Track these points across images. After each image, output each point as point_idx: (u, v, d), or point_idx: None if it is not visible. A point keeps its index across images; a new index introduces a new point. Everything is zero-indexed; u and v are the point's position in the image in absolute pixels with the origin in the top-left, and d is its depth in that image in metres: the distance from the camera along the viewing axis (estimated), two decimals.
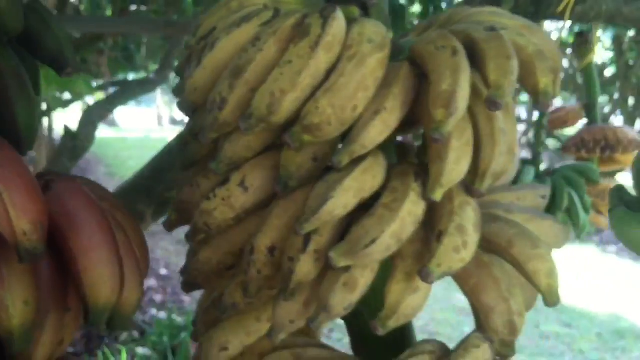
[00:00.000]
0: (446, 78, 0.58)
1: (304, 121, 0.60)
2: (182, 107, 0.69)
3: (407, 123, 0.64)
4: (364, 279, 0.62)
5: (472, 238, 0.62)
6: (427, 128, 0.60)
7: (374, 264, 0.63)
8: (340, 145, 0.63)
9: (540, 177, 2.28)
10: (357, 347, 0.82)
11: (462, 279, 0.68)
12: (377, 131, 0.60)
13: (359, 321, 0.78)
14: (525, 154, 2.81)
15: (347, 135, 0.61)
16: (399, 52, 0.68)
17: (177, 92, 0.71)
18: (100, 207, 0.58)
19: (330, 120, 0.59)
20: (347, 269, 0.62)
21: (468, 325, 5.60)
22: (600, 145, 2.60)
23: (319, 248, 0.62)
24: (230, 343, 0.74)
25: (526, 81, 0.64)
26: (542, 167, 2.52)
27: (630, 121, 9.85)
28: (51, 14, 0.60)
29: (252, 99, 0.61)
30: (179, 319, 4.61)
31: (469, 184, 0.63)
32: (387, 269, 0.65)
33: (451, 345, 0.68)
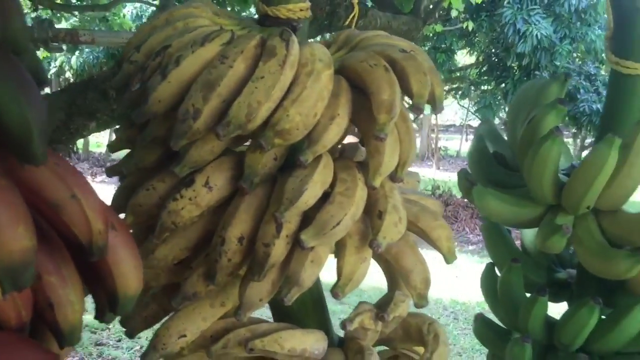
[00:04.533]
0: (385, 90, 0.74)
1: (276, 127, 0.71)
2: (139, 116, 0.74)
3: None
4: (325, 255, 0.76)
5: (404, 214, 0.79)
6: (368, 129, 0.75)
7: (333, 242, 0.76)
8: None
9: None
10: (280, 319, 0.93)
11: (386, 248, 0.84)
12: (334, 133, 0.74)
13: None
14: None
15: (307, 138, 0.73)
16: None
17: (128, 104, 0.76)
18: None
19: (298, 126, 0.71)
20: (312, 248, 0.74)
21: None
22: None
23: (289, 233, 0.73)
24: (188, 330, 0.81)
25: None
26: None
27: None
28: (32, 82, 0.54)
29: (225, 109, 0.70)
30: None
31: (392, 173, 0.80)
32: None
33: None
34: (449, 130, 25.23)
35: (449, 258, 0.86)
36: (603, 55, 9.54)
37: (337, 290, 0.77)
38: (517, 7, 7.08)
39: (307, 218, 0.75)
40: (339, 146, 0.89)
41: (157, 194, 0.77)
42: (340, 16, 2.50)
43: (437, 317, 6.69)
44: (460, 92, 13.83)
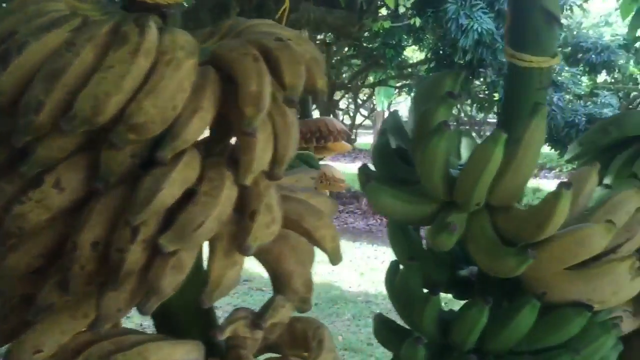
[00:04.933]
0: (253, 81, 0.68)
1: (129, 121, 0.65)
2: None
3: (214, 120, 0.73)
4: (189, 260, 0.70)
5: (278, 214, 0.74)
6: (237, 124, 0.70)
7: (197, 246, 0.71)
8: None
9: None
10: (162, 329, 0.88)
11: (266, 250, 0.79)
12: (197, 128, 0.68)
13: (162, 304, 0.84)
14: None
15: (166, 133, 0.68)
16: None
17: None
18: None
19: (154, 120, 0.65)
20: (174, 253, 0.68)
21: None
22: (316, 136, 2.98)
23: (146, 237, 0.67)
24: (45, 344, 0.74)
25: (306, 82, 0.79)
26: None
27: (325, 112, 11.06)
28: None
29: (71, 101, 0.64)
30: None
31: (270, 170, 0.75)
32: None
33: None
34: None
35: (333, 259, 0.82)
36: None
37: (203, 298, 0.71)
38: (460, 3, 7.15)
39: (172, 220, 0.69)
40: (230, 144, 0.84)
41: (4, 196, 0.70)
42: (270, 9, 2.45)
43: (386, 313, 6.81)
44: (414, 89, 13.97)
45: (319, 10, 2.71)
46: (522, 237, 0.91)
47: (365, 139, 17.91)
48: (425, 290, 1.01)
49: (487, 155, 0.87)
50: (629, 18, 2.02)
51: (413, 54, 13.19)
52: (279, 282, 0.82)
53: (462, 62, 8.29)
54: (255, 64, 0.70)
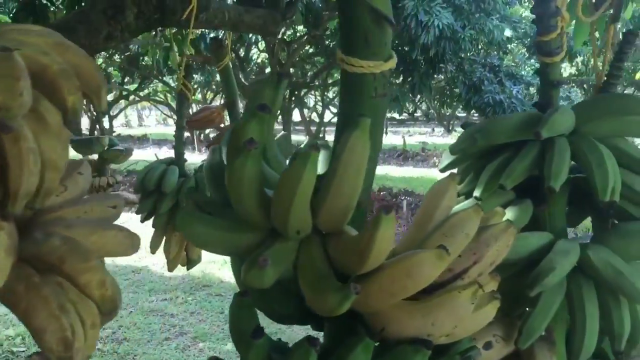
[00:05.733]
0: None
1: None
2: None
3: None
4: None
5: (4, 263, 0.60)
6: None
7: None
8: None
9: (185, 175, 2.36)
10: None
11: (14, 304, 0.66)
12: None
13: None
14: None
15: None
16: None
17: None
18: None
19: None
20: None
21: (157, 324, 5.62)
22: None
23: None
24: None
25: (54, 99, 0.65)
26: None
27: (286, 111, 10.89)
28: None
29: None
30: None
31: (2, 208, 0.61)
32: None
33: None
34: None
35: (102, 308, 0.69)
36: (509, 46, 9.73)
37: None
38: None
39: None
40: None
41: None
42: (175, 9, 2.28)
43: None
44: None
45: (236, 10, 2.55)
46: (350, 269, 0.78)
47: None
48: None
49: (296, 176, 0.74)
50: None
51: None
52: (34, 338, 0.68)
53: (421, 58, 8.21)
54: None
